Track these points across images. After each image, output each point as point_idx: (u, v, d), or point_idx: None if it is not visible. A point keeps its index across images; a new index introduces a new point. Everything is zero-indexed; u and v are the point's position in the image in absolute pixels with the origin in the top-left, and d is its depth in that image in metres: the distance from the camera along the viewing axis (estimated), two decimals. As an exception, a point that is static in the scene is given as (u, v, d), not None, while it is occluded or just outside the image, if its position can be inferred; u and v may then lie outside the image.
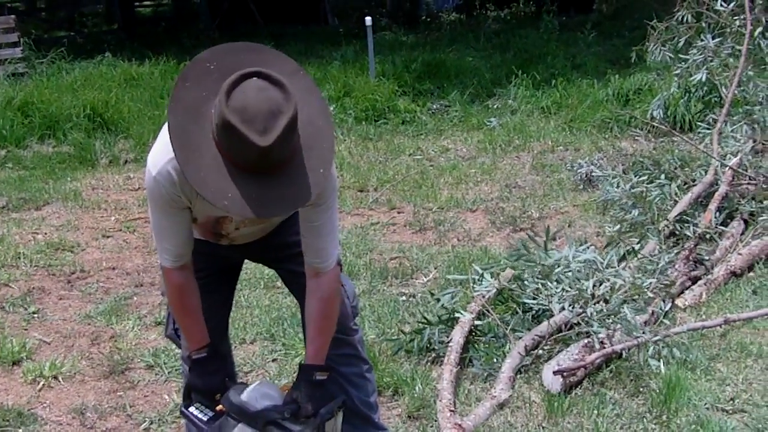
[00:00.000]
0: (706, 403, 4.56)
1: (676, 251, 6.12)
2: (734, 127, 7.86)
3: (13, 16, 14.48)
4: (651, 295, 5.32)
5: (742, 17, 8.62)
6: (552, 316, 5.06)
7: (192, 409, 3.50)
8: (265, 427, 3.28)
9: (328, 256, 3.40)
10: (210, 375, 3.50)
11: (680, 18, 9.08)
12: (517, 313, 5.26)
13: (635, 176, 7.12)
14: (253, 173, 2.88)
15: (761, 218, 6.58)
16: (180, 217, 3.23)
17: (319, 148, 2.98)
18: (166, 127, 2.97)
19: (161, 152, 3.09)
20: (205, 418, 3.44)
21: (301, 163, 2.94)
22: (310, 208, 3.20)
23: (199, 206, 3.24)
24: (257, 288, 6.20)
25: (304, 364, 3.49)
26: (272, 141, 2.78)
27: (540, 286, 5.16)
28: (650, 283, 5.34)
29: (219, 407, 3.41)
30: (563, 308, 4.98)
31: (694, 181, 7.12)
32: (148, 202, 3.33)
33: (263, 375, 5.04)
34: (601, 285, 5.11)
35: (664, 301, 5.55)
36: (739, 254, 6.18)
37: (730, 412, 4.51)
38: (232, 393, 3.39)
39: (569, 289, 5.04)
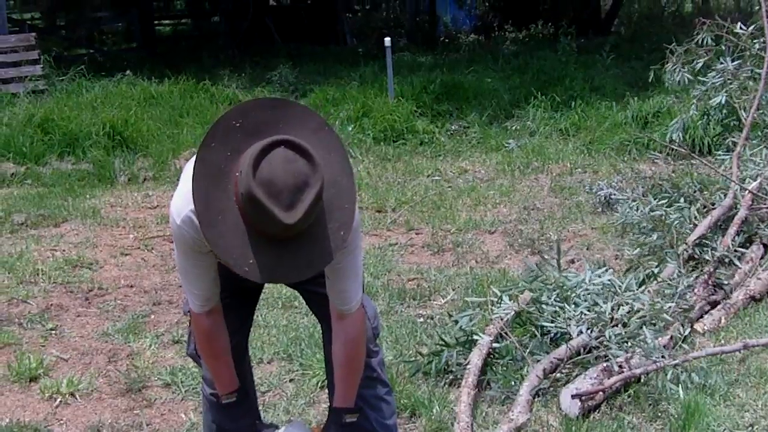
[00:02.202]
0: (725, 429, 4.53)
1: (695, 275, 6.09)
2: (754, 150, 7.84)
3: (33, 34, 14.57)
4: (670, 319, 5.29)
5: (761, 40, 8.62)
6: (570, 339, 5.04)
7: None
8: None
9: (350, 299, 3.40)
10: (239, 419, 3.52)
11: (699, 41, 9.08)
12: (535, 335, 5.24)
13: (654, 199, 7.09)
14: (274, 238, 2.89)
15: (781, 243, 6.56)
16: (206, 260, 3.22)
17: (341, 210, 2.98)
18: (187, 172, 2.97)
19: (184, 198, 3.10)
20: None
21: (323, 226, 2.95)
22: (342, 256, 3.20)
23: None
24: (275, 308, 6.20)
25: (334, 407, 3.50)
26: (298, 218, 2.80)
27: (558, 309, 5.14)
28: (669, 307, 5.32)
29: None
30: (581, 331, 4.96)
31: (713, 204, 7.09)
32: (174, 246, 3.34)
33: (280, 395, 5.03)
34: (619, 308, 5.09)
35: (683, 326, 5.52)
36: (759, 279, 6.15)
37: (750, 438, 4.50)
38: None
39: (588, 312, 5.03)
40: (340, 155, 3.02)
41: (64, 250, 7.59)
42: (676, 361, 4.89)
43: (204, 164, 2.93)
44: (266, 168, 2.80)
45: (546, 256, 5.68)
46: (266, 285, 4.12)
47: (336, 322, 3.47)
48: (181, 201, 3.08)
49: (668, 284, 5.74)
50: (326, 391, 4.03)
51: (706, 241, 6.44)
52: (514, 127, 12.15)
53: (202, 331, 3.50)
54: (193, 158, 2.98)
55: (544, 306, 5.27)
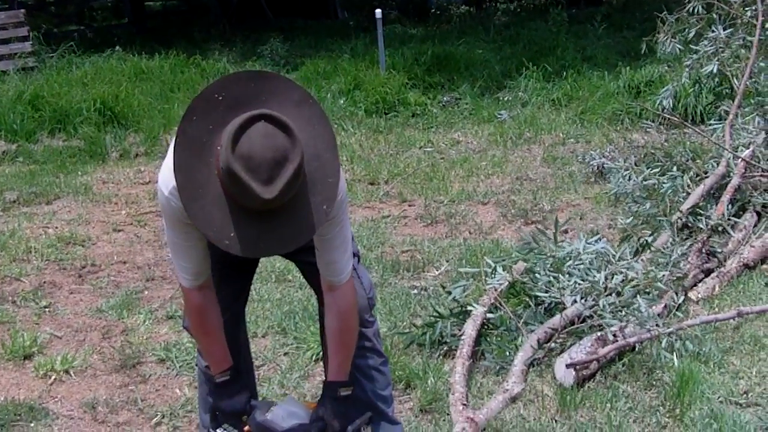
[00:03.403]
0: (719, 397, 4.55)
1: (688, 244, 6.09)
2: (746, 118, 7.83)
3: (22, 10, 14.47)
4: (664, 287, 5.30)
5: (753, 8, 8.59)
6: (564, 308, 5.05)
7: (219, 431, 3.53)
8: None
9: (340, 271, 3.40)
10: (234, 397, 3.51)
11: (691, 9, 9.05)
12: (529, 306, 5.25)
13: (647, 168, 7.10)
14: (256, 212, 2.88)
15: (774, 210, 6.57)
16: (194, 233, 3.19)
17: (324, 184, 2.96)
18: (173, 145, 2.96)
19: (171, 170, 3.06)
20: None
21: (305, 200, 2.94)
22: (328, 228, 3.22)
23: None
24: (269, 281, 6.20)
25: (328, 380, 3.51)
26: (276, 193, 2.79)
27: (552, 278, 5.15)
28: (663, 275, 5.33)
29: (246, 428, 3.44)
30: (575, 301, 4.97)
31: (706, 173, 7.08)
32: (163, 220, 3.32)
33: (275, 369, 5.03)
34: (613, 277, 5.10)
35: (677, 294, 5.53)
36: (752, 246, 6.16)
37: (744, 405, 4.50)
38: (258, 413, 3.41)
39: (581, 282, 5.03)
40: (324, 128, 3.00)
41: (56, 227, 7.58)
42: (671, 330, 4.90)
43: (185, 137, 2.92)
44: (245, 142, 2.79)
45: (541, 228, 5.66)
46: (261, 258, 4.10)
47: (327, 294, 3.48)
48: (169, 173, 3.05)
49: (662, 253, 5.75)
50: (321, 364, 4.02)
51: (700, 210, 6.44)
52: (506, 98, 12.11)
53: (193, 307, 3.49)
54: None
55: (537, 276, 5.28)
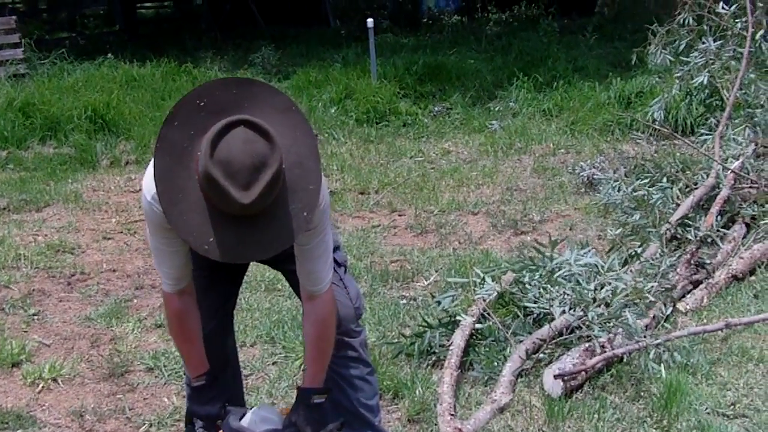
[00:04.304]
0: (707, 408, 4.55)
1: (677, 255, 6.11)
2: (736, 130, 7.87)
3: (14, 17, 14.43)
4: (652, 299, 5.30)
5: (743, 20, 8.62)
6: (553, 319, 5.06)
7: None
8: None
9: (320, 280, 3.42)
10: (208, 402, 3.53)
11: (681, 21, 9.08)
12: (518, 316, 5.25)
13: (637, 179, 7.12)
14: (236, 218, 2.88)
15: (763, 222, 6.59)
16: (178, 239, 3.17)
17: (305, 191, 2.96)
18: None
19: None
20: None
21: (286, 207, 2.94)
22: (308, 236, 3.23)
23: None
24: (258, 291, 6.20)
25: (302, 387, 3.51)
26: (254, 198, 2.80)
27: (541, 289, 5.15)
28: (651, 286, 5.34)
29: None
30: (564, 312, 4.98)
31: (695, 184, 7.11)
32: (146, 224, 3.33)
33: (263, 378, 5.03)
34: (602, 288, 5.10)
35: (665, 305, 5.54)
36: (741, 258, 6.17)
37: (731, 416, 4.50)
38: (232, 418, 3.42)
39: (570, 293, 5.04)
40: (307, 136, 3.00)
41: (46, 235, 7.57)
42: (659, 341, 4.91)
43: (166, 143, 2.93)
44: (224, 148, 2.79)
45: (536, 244, 5.66)
46: (250, 265, 4.10)
47: (306, 303, 3.49)
48: (151, 179, 3.05)
49: (651, 264, 5.75)
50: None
51: (689, 221, 6.47)
52: (497, 108, 12.13)
53: (173, 311, 3.51)
54: None
55: (526, 286, 5.28)
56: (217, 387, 3.58)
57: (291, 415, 3.43)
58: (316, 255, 3.34)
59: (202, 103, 2.94)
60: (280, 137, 2.89)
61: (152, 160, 3.05)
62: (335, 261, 3.71)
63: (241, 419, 3.41)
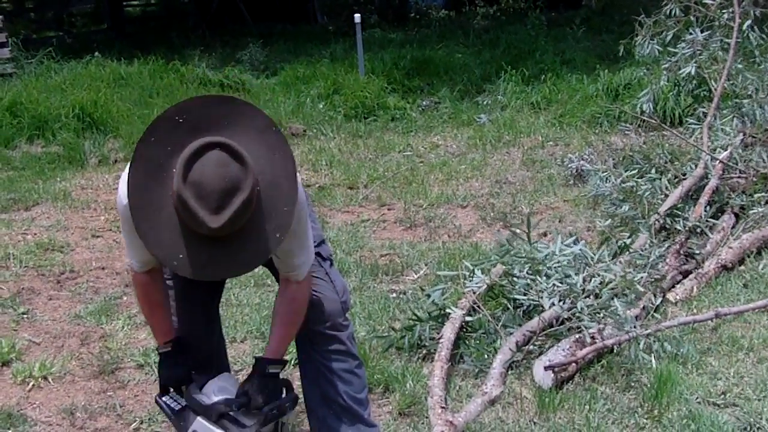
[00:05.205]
0: (697, 398, 4.55)
1: (666, 245, 6.11)
2: (724, 120, 7.88)
3: (0, 17, 14.40)
4: (642, 289, 5.31)
5: (730, 10, 8.63)
6: (543, 311, 5.05)
7: (165, 398, 3.62)
8: (219, 420, 3.37)
9: (297, 267, 3.46)
10: (174, 367, 3.58)
11: (668, 12, 9.08)
12: (507, 308, 5.25)
13: (625, 171, 7.13)
14: (207, 238, 2.90)
15: (752, 211, 6.60)
16: None
17: (279, 212, 2.98)
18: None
19: None
20: (176, 408, 3.55)
21: (260, 227, 2.96)
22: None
23: None
24: (247, 286, 6.19)
25: (259, 357, 3.56)
26: (223, 222, 2.82)
27: (530, 281, 5.15)
28: (641, 277, 5.34)
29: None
30: (554, 303, 4.97)
31: (684, 175, 7.12)
32: (120, 221, 3.37)
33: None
34: (591, 279, 5.11)
35: (654, 296, 5.54)
36: (730, 248, 6.18)
37: (722, 406, 4.51)
38: (192, 387, 3.51)
39: (560, 285, 5.03)
40: (285, 157, 3.02)
41: (35, 234, 7.55)
42: (649, 331, 4.91)
43: (143, 158, 2.96)
44: (198, 170, 2.81)
45: (517, 230, 5.67)
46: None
47: (283, 281, 3.53)
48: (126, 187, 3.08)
49: (640, 255, 5.76)
50: (298, 368, 4.02)
51: (678, 212, 6.48)
52: (485, 102, 12.14)
53: (139, 282, 3.59)
54: None
55: (516, 279, 5.28)
56: (182, 353, 3.61)
57: (244, 384, 3.47)
58: (295, 253, 3.38)
59: (181, 120, 2.95)
60: (257, 158, 2.92)
61: (127, 169, 3.05)
62: (320, 255, 3.73)
63: (202, 388, 3.48)
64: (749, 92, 8.21)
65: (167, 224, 2.91)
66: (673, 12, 9.03)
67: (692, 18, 8.98)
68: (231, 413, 3.37)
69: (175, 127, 2.94)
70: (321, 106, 11.92)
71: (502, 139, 10.19)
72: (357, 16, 13.06)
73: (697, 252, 6.16)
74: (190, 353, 3.71)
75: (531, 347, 4.95)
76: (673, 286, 5.83)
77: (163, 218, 2.91)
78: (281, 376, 3.61)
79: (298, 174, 3.16)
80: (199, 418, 3.40)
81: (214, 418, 3.37)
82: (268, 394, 3.43)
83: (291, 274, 3.46)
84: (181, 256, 2.91)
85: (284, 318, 3.54)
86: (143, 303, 3.66)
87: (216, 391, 3.45)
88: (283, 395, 3.59)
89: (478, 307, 5.23)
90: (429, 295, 5.49)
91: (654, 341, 4.92)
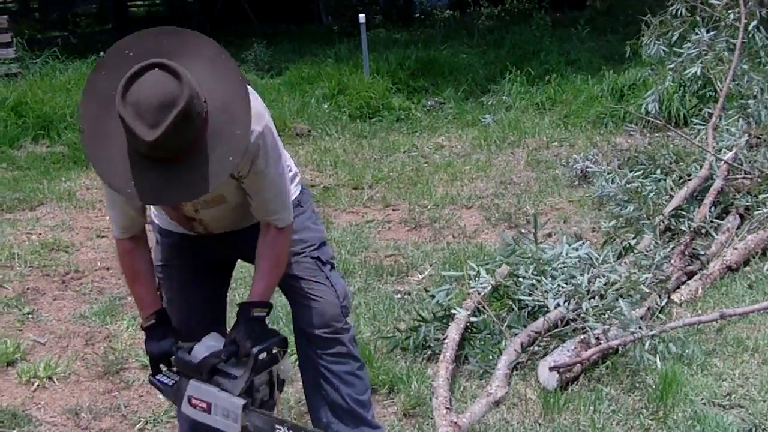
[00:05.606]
0: (702, 399, 4.55)
1: (671, 246, 6.11)
2: (729, 121, 7.86)
3: (6, 16, 14.39)
4: (647, 290, 5.30)
5: (736, 10, 8.60)
6: (547, 312, 5.05)
7: (159, 376, 3.54)
8: (211, 378, 3.32)
9: (276, 217, 3.45)
10: (160, 340, 3.51)
11: (674, 12, 9.05)
12: (512, 309, 5.25)
13: (630, 171, 7.11)
14: (157, 161, 2.90)
15: (756, 212, 6.59)
16: (128, 203, 3.31)
17: (232, 135, 2.97)
18: None
19: None
20: (170, 383, 3.49)
21: (208, 151, 2.95)
22: (253, 175, 3.27)
23: None
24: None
25: (244, 302, 3.51)
26: (158, 135, 2.80)
27: (535, 282, 5.15)
28: (646, 278, 5.33)
29: (176, 369, 3.47)
30: (559, 304, 4.97)
31: (689, 175, 7.11)
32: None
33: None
34: (596, 280, 5.10)
35: (659, 297, 5.54)
36: (735, 249, 6.17)
37: (727, 407, 4.51)
38: (181, 352, 3.43)
39: (565, 285, 5.03)
40: (237, 82, 3.03)
41: (40, 234, 7.56)
42: (654, 332, 4.90)
43: (93, 91, 2.98)
44: (135, 90, 2.82)
45: (523, 230, 5.67)
46: (241, 263, 4.08)
47: (264, 226, 3.50)
48: None
49: (645, 255, 5.76)
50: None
51: (683, 212, 6.46)
52: (490, 102, 12.13)
53: (122, 251, 3.56)
54: None
55: (521, 279, 5.27)
56: (166, 326, 3.56)
57: (231, 333, 3.43)
58: (266, 189, 3.37)
59: (130, 53, 2.96)
60: (207, 83, 2.94)
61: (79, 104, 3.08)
62: (320, 259, 3.73)
63: (190, 352, 3.42)
64: (755, 93, 8.19)
65: (119, 153, 2.92)
66: (678, 12, 9.01)
67: (698, 18, 8.95)
68: (221, 367, 3.32)
69: (124, 59, 2.94)
70: (326, 106, 11.91)
71: (506, 140, 10.19)
72: (361, 17, 13.04)
73: (702, 253, 6.16)
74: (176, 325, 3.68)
75: (536, 348, 4.95)
76: (678, 287, 5.82)
77: (114, 148, 2.92)
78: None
79: (263, 107, 3.24)
80: (191, 382, 3.35)
81: (206, 375, 3.32)
82: (256, 338, 3.37)
83: (270, 219, 3.45)
84: (133, 183, 2.92)
85: (266, 263, 3.50)
86: (127, 271, 3.61)
87: (204, 351, 3.38)
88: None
89: (483, 307, 5.23)
90: (434, 296, 5.48)
91: (659, 342, 4.91)
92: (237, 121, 2.99)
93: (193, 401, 3.36)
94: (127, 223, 3.44)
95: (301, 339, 3.78)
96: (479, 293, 5.30)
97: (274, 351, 3.44)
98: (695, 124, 8.41)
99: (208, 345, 3.42)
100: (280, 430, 3.27)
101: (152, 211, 3.78)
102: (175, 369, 3.49)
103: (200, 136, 2.92)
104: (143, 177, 2.91)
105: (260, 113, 3.20)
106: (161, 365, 3.56)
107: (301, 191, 3.77)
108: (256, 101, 3.16)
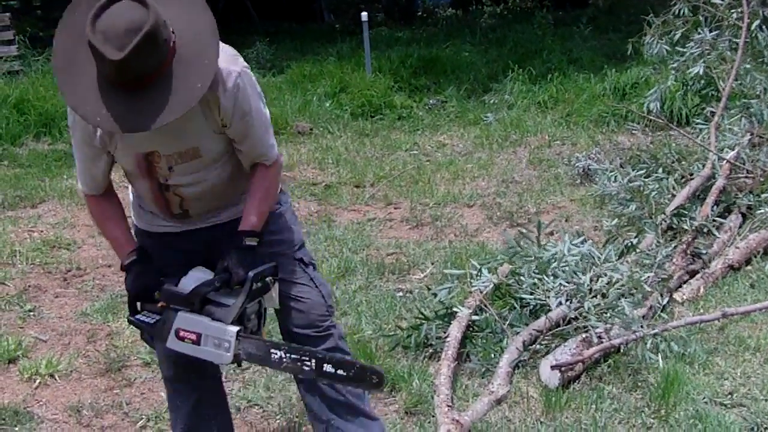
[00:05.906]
0: (704, 397, 4.55)
1: (673, 245, 6.10)
2: (731, 120, 7.85)
3: (8, 14, 14.40)
4: (648, 289, 5.30)
5: (739, 10, 8.59)
6: (549, 310, 5.04)
7: (139, 316, 3.45)
8: (203, 308, 3.27)
9: (267, 156, 3.50)
10: (143, 275, 3.46)
11: (677, 11, 9.05)
12: (514, 308, 5.24)
13: (632, 170, 7.10)
14: (126, 90, 2.98)
15: (759, 212, 6.58)
16: (96, 160, 3.39)
17: (199, 64, 3.05)
18: None
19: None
20: (151, 321, 3.40)
21: (180, 78, 3.02)
22: (239, 120, 3.32)
23: (121, 146, 3.31)
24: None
25: (236, 231, 3.47)
26: (124, 54, 2.87)
27: (537, 281, 5.14)
28: (648, 277, 5.33)
29: (161, 304, 3.38)
30: (560, 303, 4.97)
31: (691, 174, 7.11)
32: (72, 138, 3.43)
33: (260, 372, 5.02)
34: (598, 279, 5.10)
35: (661, 295, 5.53)
36: (737, 248, 6.17)
37: (729, 406, 4.50)
38: (167, 284, 3.36)
39: (566, 284, 5.03)
40: (205, 16, 3.12)
41: (41, 231, 7.56)
42: (655, 331, 4.90)
43: (67, 27, 3.06)
44: (105, 18, 2.91)
45: (525, 230, 5.67)
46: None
47: (252, 168, 3.53)
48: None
49: (647, 254, 5.74)
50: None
51: (685, 211, 6.46)
52: (491, 101, 12.14)
53: (92, 203, 3.60)
54: None
55: (523, 278, 5.27)
56: (147, 261, 3.52)
57: (222, 262, 3.38)
58: (252, 135, 3.41)
59: None
60: (178, 17, 3.05)
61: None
62: (302, 261, 3.72)
63: (177, 285, 3.36)
64: (757, 92, 8.18)
65: (90, 83, 2.99)
66: (681, 11, 9.00)
67: (701, 18, 8.94)
68: (211, 297, 3.28)
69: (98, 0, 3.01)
70: (328, 104, 11.92)
71: (508, 139, 10.19)
72: (364, 15, 13.06)
73: (704, 252, 6.15)
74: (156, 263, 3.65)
75: (538, 346, 4.95)
76: (680, 286, 5.82)
77: (86, 78, 3.00)
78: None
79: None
80: (180, 313, 3.29)
81: (198, 305, 3.27)
82: (248, 266, 3.33)
83: (261, 159, 3.49)
84: (103, 111, 2.98)
85: (256, 194, 3.51)
86: (98, 218, 3.64)
87: (193, 282, 3.31)
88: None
89: (485, 306, 5.22)
90: (435, 294, 5.49)
91: (661, 341, 4.91)
92: (205, 51, 3.08)
93: (182, 333, 3.29)
94: (94, 182, 3.50)
95: (288, 341, 3.77)
96: (481, 292, 5.30)
97: (267, 279, 3.40)
98: (697, 124, 8.39)
99: (196, 276, 3.36)
100: (276, 353, 3.24)
101: (132, 211, 3.79)
102: (158, 305, 3.39)
103: (167, 62, 3.00)
104: (113, 105, 2.98)
105: (235, 54, 3.33)
106: (138, 303, 3.49)
107: (280, 191, 3.77)
108: (228, 47, 3.28)
